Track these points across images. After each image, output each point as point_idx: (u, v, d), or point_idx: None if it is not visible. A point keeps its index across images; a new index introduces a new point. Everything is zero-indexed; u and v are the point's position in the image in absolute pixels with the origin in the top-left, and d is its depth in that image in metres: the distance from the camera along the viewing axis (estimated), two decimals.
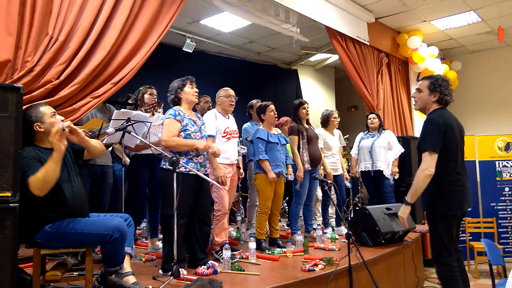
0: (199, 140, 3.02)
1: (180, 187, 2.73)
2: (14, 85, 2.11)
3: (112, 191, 3.46)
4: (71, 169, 2.38)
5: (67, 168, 2.34)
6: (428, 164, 2.63)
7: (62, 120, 2.36)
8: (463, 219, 2.99)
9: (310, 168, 4.14)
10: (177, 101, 3.11)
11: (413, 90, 6.26)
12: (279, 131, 4.08)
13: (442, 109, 2.82)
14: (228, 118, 3.69)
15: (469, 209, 2.78)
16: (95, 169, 3.27)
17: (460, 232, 2.99)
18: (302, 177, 4.04)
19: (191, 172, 2.92)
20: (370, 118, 5.00)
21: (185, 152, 2.98)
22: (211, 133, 3.46)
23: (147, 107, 3.39)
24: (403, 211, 2.78)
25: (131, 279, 2.41)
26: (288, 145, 4.12)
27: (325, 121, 4.82)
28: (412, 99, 2.98)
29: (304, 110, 4.26)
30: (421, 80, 2.93)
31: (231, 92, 3.66)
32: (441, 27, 6.02)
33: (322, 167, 4.54)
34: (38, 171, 2.12)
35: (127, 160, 3.74)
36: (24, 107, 2.31)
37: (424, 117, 2.92)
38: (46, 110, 2.33)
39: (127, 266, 2.46)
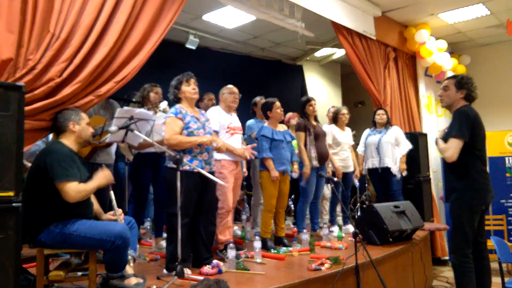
0: (202, 136, 3.00)
1: (185, 185, 2.71)
2: (16, 83, 2.10)
3: (116, 190, 3.43)
4: (83, 172, 2.44)
5: (79, 170, 2.38)
6: (453, 150, 2.78)
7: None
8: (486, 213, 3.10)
9: (318, 165, 4.08)
10: (177, 100, 3.10)
11: (420, 85, 6.24)
12: (285, 128, 4.03)
13: (469, 106, 2.98)
14: (231, 115, 3.65)
15: (492, 199, 2.91)
16: (96, 167, 3.25)
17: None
18: (309, 174, 3.99)
19: (195, 170, 2.89)
20: (379, 114, 4.94)
21: (189, 149, 2.95)
22: (214, 128, 3.43)
23: (150, 106, 3.35)
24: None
25: (133, 281, 2.37)
26: (294, 142, 4.07)
27: (335, 118, 4.82)
28: (439, 97, 3.12)
29: (311, 107, 4.23)
30: (446, 80, 3.06)
31: (235, 89, 3.64)
32: (450, 20, 5.91)
33: (330, 165, 4.49)
34: (87, 184, 2.34)
35: (131, 158, 3.71)
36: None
37: (438, 113, 3.12)
38: (85, 116, 2.55)
39: (129, 269, 2.44)
